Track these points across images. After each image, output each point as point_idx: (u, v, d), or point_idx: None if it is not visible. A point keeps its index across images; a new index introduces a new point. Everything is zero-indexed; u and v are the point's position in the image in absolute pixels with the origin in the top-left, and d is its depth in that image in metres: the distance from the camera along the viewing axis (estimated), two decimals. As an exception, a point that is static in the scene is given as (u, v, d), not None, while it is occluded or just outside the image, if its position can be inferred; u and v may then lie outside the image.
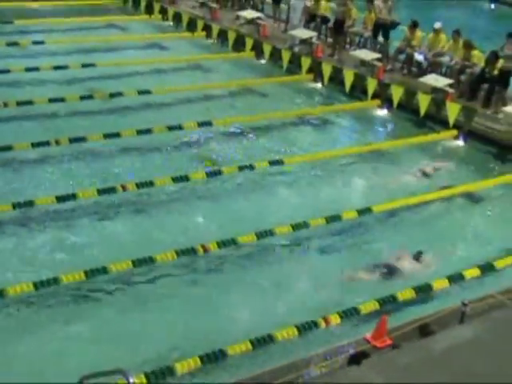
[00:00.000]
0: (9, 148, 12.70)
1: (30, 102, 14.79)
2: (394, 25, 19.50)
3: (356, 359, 7.05)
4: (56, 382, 7.29)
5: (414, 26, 18.89)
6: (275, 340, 8.49)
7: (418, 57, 18.73)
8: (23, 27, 20.17)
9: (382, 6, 19.58)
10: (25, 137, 13.25)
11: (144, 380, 7.51)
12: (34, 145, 12.95)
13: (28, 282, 9.03)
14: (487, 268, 10.68)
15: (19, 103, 14.73)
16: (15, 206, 10.95)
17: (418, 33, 18.93)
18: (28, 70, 16.52)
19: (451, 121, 15.32)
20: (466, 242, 11.83)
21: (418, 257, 10.91)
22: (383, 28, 19.67)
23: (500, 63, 16.86)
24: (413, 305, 9.64)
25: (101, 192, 11.63)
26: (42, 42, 18.77)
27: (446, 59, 18.40)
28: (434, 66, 18.45)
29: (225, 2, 23.74)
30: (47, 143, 13.07)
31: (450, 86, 17.15)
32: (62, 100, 15.13)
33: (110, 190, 11.72)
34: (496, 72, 16.93)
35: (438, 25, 18.83)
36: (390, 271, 10.56)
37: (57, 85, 16.27)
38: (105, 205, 11.64)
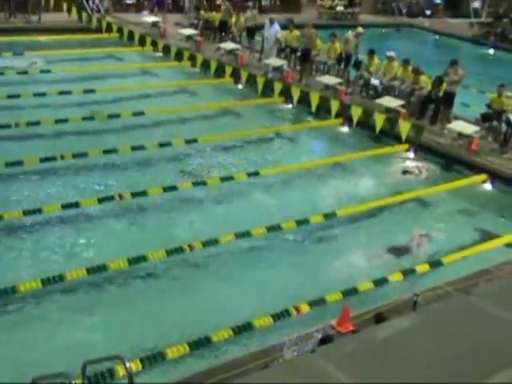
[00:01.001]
0: (20, 163, 12.57)
1: (37, 123, 14.64)
2: (357, 58, 19.83)
3: (324, 342, 7.04)
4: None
5: (371, 53, 19.01)
6: (254, 327, 8.47)
7: (375, 81, 18.80)
8: (31, 58, 19.97)
9: (351, 39, 19.72)
10: (34, 152, 13.12)
11: (139, 365, 7.47)
12: (42, 160, 12.83)
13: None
14: (436, 263, 10.75)
15: (28, 124, 14.56)
16: (25, 212, 10.84)
17: (376, 60, 19.04)
18: (36, 95, 16.37)
19: (403, 136, 15.38)
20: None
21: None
22: (346, 58, 19.81)
23: (444, 86, 16.99)
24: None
25: (101, 200, 11.55)
26: (48, 71, 18.62)
27: (398, 83, 18.50)
28: (388, 89, 18.55)
29: (207, 36, 23.71)
30: (54, 158, 12.95)
31: (402, 106, 17.23)
32: (66, 121, 14.99)
33: (109, 199, 11.65)
34: (441, 94, 17.05)
35: (391, 53, 18.96)
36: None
37: (61, 108, 16.12)
38: (105, 211, 11.56)
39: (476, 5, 34.04)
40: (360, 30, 20.37)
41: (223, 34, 23.25)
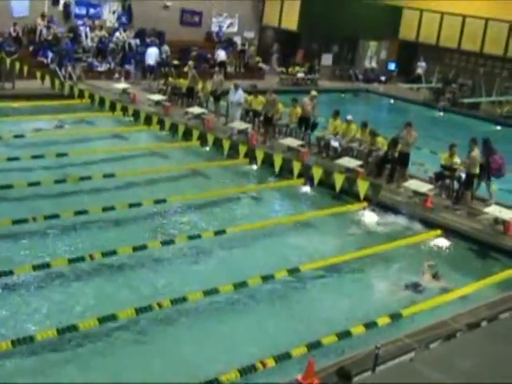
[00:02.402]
0: (-8, 225, 12.42)
1: (10, 186, 14.49)
2: (314, 120, 20.16)
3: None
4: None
5: (336, 115, 19.38)
6: (221, 382, 8.34)
7: (334, 143, 19.11)
8: (6, 123, 19.91)
9: (308, 103, 20.08)
10: (6, 215, 12.94)
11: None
12: (15, 222, 12.65)
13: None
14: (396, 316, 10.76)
15: (1, 187, 14.39)
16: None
17: (338, 122, 19.39)
18: (9, 159, 16.24)
19: (361, 195, 15.56)
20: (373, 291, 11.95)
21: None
22: (306, 121, 20.14)
23: (399, 147, 17.31)
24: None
25: (71, 261, 11.39)
26: (22, 136, 18.54)
27: (356, 145, 18.82)
28: (347, 150, 18.84)
29: (175, 101, 23.94)
30: (26, 220, 12.78)
31: (360, 166, 17.52)
32: (38, 184, 14.85)
33: (79, 259, 11.49)
34: (396, 154, 17.36)
35: (349, 117, 19.37)
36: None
37: (34, 171, 16.01)
38: (75, 272, 11.39)
39: (420, 71, 34.96)
40: (314, 93, 20.76)
41: (190, 99, 23.50)
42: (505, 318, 10.99)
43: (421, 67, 34.89)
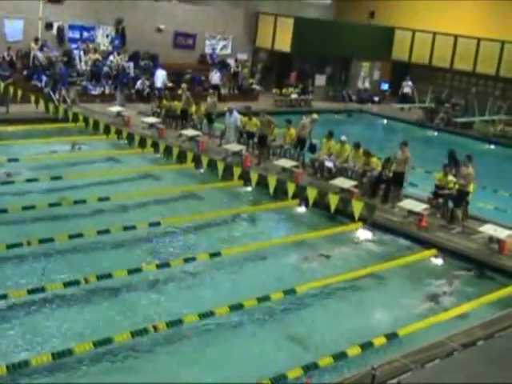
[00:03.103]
0: (-14, 250, 12.45)
1: (5, 211, 14.51)
2: (311, 143, 20.40)
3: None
4: None
5: (330, 135, 19.52)
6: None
7: (328, 164, 19.22)
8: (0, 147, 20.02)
9: (307, 125, 20.26)
10: (0, 239, 12.95)
11: None
12: (9, 246, 12.67)
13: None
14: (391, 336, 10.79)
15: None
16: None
17: (332, 142, 19.51)
18: (3, 183, 16.29)
19: (356, 215, 15.57)
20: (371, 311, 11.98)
21: None
22: (301, 142, 20.28)
23: (393, 167, 17.40)
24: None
25: (66, 285, 11.41)
26: (16, 160, 18.58)
27: (350, 165, 18.92)
28: (341, 171, 18.93)
29: (169, 124, 24.06)
30: (20, 244, 12.81)
31: (355, 186, 17.61)
32: (33, 207, 14.88)
33: (75, 283, 11.52)
34: (390, 174, 17.46)
35: (343, 138, 19.50)
36: None
37: (29, 195, 16.03)
38: (69, 295, 11.41)
39: (407, 90, 35.18)
40: (315, 116, 21.00)
41: (184, 121, 23.63)
42: (499, 337, 11.03)
43: (407, 86, 35.07)
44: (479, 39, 33.36)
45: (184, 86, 24.68)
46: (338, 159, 19.23)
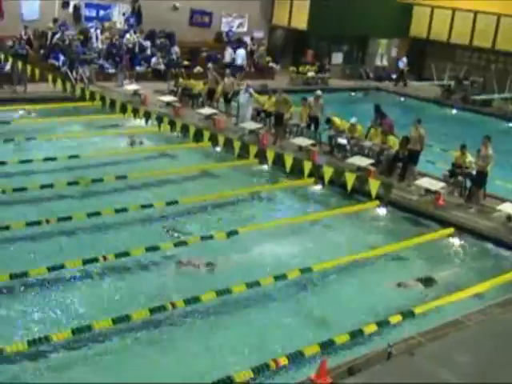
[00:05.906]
0: (7, 227, 12.59)
1: (24, 189, 14.68)
2: (324, 118, 20.32)
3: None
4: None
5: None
6: (233, 381, 8.48)
7: (342, 141, 19.20)
8: (18, 126, 20.15)
9: (313, 103, 20.22)
10: (20, 217, 13.15)
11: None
12: (28, 224, 12.85)
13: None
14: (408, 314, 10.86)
15: (15, 190, 14.60)
16: (12, 276, 10.82)
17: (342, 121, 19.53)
18: (22, 162, 16.45)
19: (373, 193, 15.53)
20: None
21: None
22: (315, 120, 20.26)
23: (409, 145, 17.37)
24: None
25: (85, 262, 11.57)
26: (34, 138, 18.75)
27: (367, 143, 18.88)
28: (357, 148, 18.89)
29: (186, 102, 24.09)
30: (39, 222, 12.98)
31: (372, 164, 17.58)
32: (51, 186, 15.03)
33: (93, 260, 11.66)
34: (406, 153, 17.41)
35: (353, 120, 19.49)
36: None
37: (47, 174, 16.18)
38: (89, 272, 11.57)
39: (401, 66, 34.90)
40: (318, 92, 20.99)
41: (209, 101, 23.64)
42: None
43: (401, 62, 34.80)
44: (499, 15, 32.94)
45: (210, 65, 24.80)
46: (352, 138, 19.19)
